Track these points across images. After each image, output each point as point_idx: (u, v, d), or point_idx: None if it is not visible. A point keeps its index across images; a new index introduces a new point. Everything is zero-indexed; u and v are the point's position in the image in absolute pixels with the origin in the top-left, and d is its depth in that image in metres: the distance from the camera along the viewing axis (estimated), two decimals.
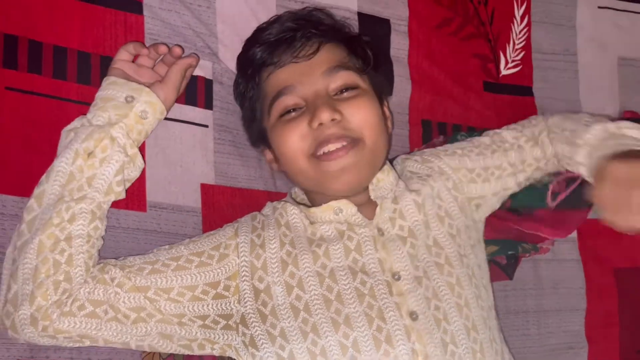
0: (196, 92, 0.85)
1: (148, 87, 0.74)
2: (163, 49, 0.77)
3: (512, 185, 0.85)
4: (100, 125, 0.70)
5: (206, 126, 0.86)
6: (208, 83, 0.86)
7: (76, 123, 0.72)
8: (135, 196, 0.79)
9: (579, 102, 1.10)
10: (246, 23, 0.87)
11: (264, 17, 0.87)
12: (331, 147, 0.71)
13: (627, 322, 1.02)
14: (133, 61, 0.78)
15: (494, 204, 0.85)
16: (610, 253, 1.03)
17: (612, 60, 1.14)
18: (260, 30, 0.81)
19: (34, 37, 0.77)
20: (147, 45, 0.80)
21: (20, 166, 0.74)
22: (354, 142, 0.72)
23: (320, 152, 0.72)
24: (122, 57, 0.76)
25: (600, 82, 1.13)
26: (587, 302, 1.00)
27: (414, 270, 0.71)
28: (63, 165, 0.68)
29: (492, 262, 0.89)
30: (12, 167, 0.74)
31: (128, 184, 0.74)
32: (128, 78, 0.75)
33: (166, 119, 0.83)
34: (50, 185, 0.68)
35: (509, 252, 0.90)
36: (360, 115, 0.73)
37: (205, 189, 0.84)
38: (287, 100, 0.74)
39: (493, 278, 0.83)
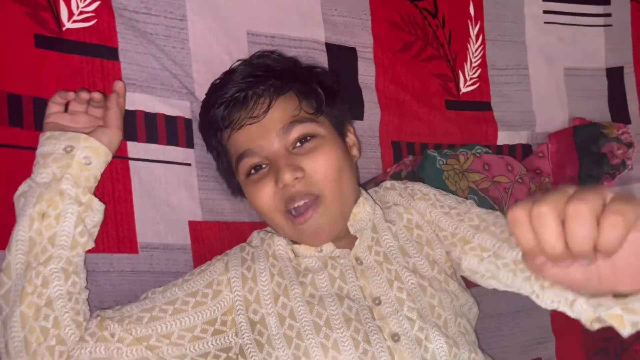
0: (177, 132, 0.87)
1: (89, 133, 0.75)
2: (84, 95, 0.76)
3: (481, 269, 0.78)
4: (46, 183, 0.70)
5: (189, 164, 0.88)
6: (187, 122, 0.88)
7: (24, 187, 0.72)
8: (126, 239, 0.81)
9: (532, 113, 1.18)
10: (219, 61, 0.90)
11: (236, 54, 0.90)
12: (297, 203, 0.73)
13: None
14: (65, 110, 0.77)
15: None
16: None
17: (559, 71, 1.23)
18: (216, 88, 0.82)
19: (12, 91, 0.77)
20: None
21: (3, 219, 0.74)
22: (316, 199, 0.74)
23: (291, 208, 0.74)
24: (53, 110, 0.76)
25: (549, 93, 1.21)
26: None
27: (398, 293, 0.75)
28: (21, 233, 0.69)
29: None
30: None
31: (96, 230, 0.74)
32: (64, 129, 0.75)
33: (149, 160, 0.85)
34: (13, 255, 0.68)
35: None
36: (321, 170, 0.74)
37: (194, 225, 0.87)
38: (251, 161, 0.76)
39: (469, 285, 0.88)
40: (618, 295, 0.48)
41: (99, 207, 0.74)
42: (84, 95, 0.76)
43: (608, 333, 1.13)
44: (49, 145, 0.73)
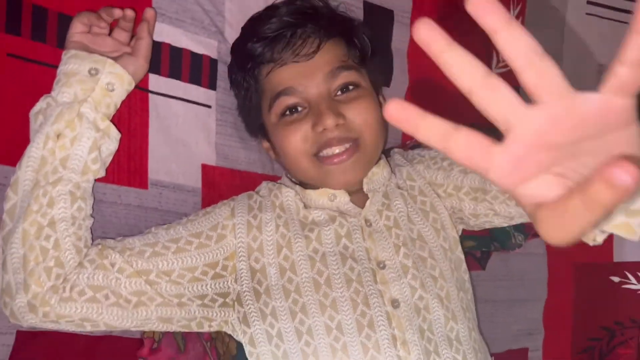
0: (201, 71, 0.85)
1: (116, 59, 0.72)
2: (117, 12, 0.73)
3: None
4: (67, 103, 0.68)
5: (209, 106, 0.85)
6: (213, 63, 0.86)
7: (42, 103, 0.69)
8: (137, 173, 0.79)
9: None
10: (254, 3, 0.86)
11: None
12: (335, 150, 0.73)
13: (580, 312, 1.11)
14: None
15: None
16: (572, 248, 1.11)
17: (592, 67, 1.20)
18: (257, 22, 0.79)
19: (38, 2, 0.74)
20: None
21: (19, 135, 0.72)
22: (355, 144, 0.74)
23: (323, 153, 0.73)
24: (78, 29, 0.72)
25: (579, 87, 1.18)
26: (547, 293, 1.09)
27: (404, 259, 0.74)
28: (34, 150, 0.67)
29: (467, 253, 0.95)
30: (6, 136, 0.72)
31: (109, 159, 0.73)
32: (88, 50, 0.71)
33: (169, 97, 0.82)
34: (23, 172, 0.67)
35: (483, 249, 0.96)
36: (362, 117, 0.74)
37: (206, 169, 0.85)
38: (289, 101, 0.74)
39: (468, 268, 0.88)
40: None
41: (116, 135, 0.72)
42: (117, 12, 0.73)
43: (597, 333, 1.15)
44: (73, 64, 0.70)
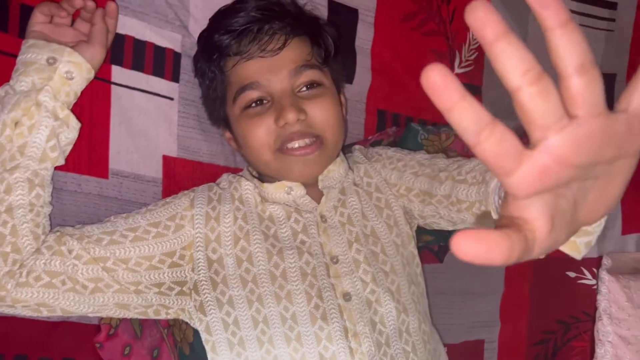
0: (164, 63, 0.86)
1: (72, 47, 0.73)
2: (78, 2, 0.74)
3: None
4: (25, 92, 0.69)
5: (172, 99, 0.87)
6: (176, 56, 0.87)
7: (0, 92, 0.70)
8: (98, 162, 0.81)
9: None
10: None
11: None
12: (295, 144, 0.75)
13: (536, 306, 1.15)
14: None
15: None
16: None
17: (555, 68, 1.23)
18: (225, 15, 0.81)
19: None
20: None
21: None
22: (319, 140, 0.76)
23: (286, 147, 0.75)
24: (38, 19, 0.73)
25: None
26: (504, 286, 1.12)
27: (356, 255, 0.77)
28: None
29: (425, 247, 0.97)
30: None
31: (68, 148, 0.73)
32: (48, 39, 0.72)
33: (132, 88, 0.84)
34: None
35: (441, 243, 0.98)
36: (323, 114, 0.76)
37: (167, 160, 0.86)
38: (254, 95, 0.76)
39: (425, 261, 0.91)
40: None
41: (75, 124, 0.73)
42: (78, 2, 0.73)
43: (552, 326, 1.19)
44: (32, 53, 0.71)
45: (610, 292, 1.17)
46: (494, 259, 0.27)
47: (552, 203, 0.30)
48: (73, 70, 0.72)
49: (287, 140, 0.75)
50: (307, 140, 0.76)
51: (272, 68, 0.75)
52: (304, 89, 0.77)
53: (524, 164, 0.28)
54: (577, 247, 0.50)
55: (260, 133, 0.76)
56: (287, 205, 0.79)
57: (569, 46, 0.27)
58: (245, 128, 0.77)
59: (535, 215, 0.30)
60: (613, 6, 1.28)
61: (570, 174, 0.29)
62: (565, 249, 0.49)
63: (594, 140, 0.28)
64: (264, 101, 0.77)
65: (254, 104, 0.77)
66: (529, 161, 0.28)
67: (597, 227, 0.49)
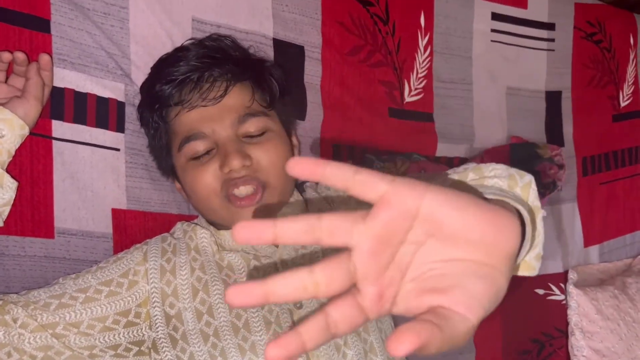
0: (108, 114, 0.84)
1: (4, 104, 0.71)
2: (7, 56, 0.72)
3: None
4: None
5: (118, 149, 0.84)
6: (120, 105, 0.85)
7: None
8: (42, 223, 0.77)
9: (472, 128, 1.21)
10: (161, 45, 0.87)
11: (178, 39, 0.87)
12: (242, 190, 0.72)
13: (509, 327, 1.14)
14: None
15: None
16: None
17: (501, 90, 1.26)
18: (165, 64, 0.79)
19: None
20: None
21: None
22: (263, 186, 0.73)
23: (231, 193, 0.73)
24: None
25: (491, 110, 1.24)
26: None
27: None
28: None
29: None
30: None
31: (6, 209, 0.70)
32: None
33: (75, 142, 0.81)
34: None
35: None
36: (269, 158, 0.74)
37: (117, 213, 0.83)
38: (198, 146, 0.74)
39: None
40: None
41: (10, 184, 0.70)
42: (6, 55, 0.71)
43: (527, 346, 1.18)
44: None
45: (579, 306, 1.18)
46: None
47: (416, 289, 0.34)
48: (3, 127, 0.69)
49: (232, 186, 0.72)
50: (249, 188, 0.73)
51: (215, 117, 0.74)
52: (249, 136, 0.75)
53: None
54: (528, 264, 0.50)
55: (207, 180, 0.73)
56: (245, 252, 0.77)
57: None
58: (191, 176, 0.75)
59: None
60: (551, 27, 1.34)
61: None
62: (522, 271, 0.49)
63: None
64: (211, 151, 0.74)
65: (200, 157, 0.74)
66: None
67: (538, 238, 0.50)
